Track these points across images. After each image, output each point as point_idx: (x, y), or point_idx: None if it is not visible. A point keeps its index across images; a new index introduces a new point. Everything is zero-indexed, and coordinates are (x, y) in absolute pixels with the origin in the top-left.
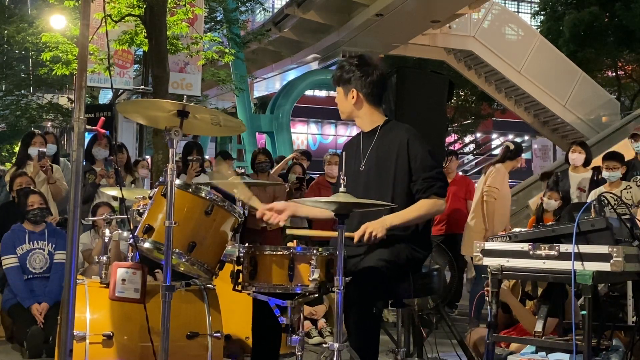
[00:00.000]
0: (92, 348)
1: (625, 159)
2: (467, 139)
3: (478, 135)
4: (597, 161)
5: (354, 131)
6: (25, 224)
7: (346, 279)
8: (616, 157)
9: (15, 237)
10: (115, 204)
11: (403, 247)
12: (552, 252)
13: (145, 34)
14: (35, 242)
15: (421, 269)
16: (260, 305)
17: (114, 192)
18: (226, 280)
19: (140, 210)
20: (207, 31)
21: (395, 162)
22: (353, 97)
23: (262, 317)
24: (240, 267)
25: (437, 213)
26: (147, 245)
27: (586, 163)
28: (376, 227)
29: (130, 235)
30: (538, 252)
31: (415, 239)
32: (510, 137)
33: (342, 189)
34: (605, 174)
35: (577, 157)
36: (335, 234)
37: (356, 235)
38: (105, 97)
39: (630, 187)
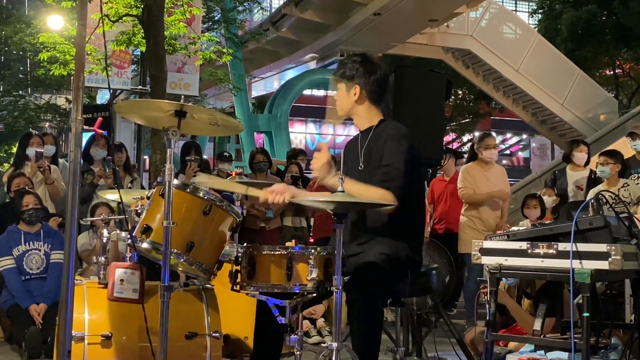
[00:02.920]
0: (91, 348)
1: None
2: (466, 137)
3: (476, 134)
4: (594, 159)
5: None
6: (21, 225)
7: (344, 278)
8: (611, 153)
9: (10, 238)
10: (114, 204)
11: (402, 245)
12: (551, 251)
13: (143, 34)
14: (31, 242)
15: (420, 269)
16: (266, 308)
17: (112, 195)
18: (225, 280)
19: (139, 211)
20: (205, 31)
21: (379, 160)
22: (355, 94)
23: (266, 320)
24: (238, 267)
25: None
26: (145, 245)
27: (586, 162)
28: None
29: (129, 236)
30: (536, 250)
31: (412, 241)
32: (509, 135)
33: (340, 188)
34: (598, 168)
35: (582, 156)
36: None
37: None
38: (103, 98)
39: (628, 185)
